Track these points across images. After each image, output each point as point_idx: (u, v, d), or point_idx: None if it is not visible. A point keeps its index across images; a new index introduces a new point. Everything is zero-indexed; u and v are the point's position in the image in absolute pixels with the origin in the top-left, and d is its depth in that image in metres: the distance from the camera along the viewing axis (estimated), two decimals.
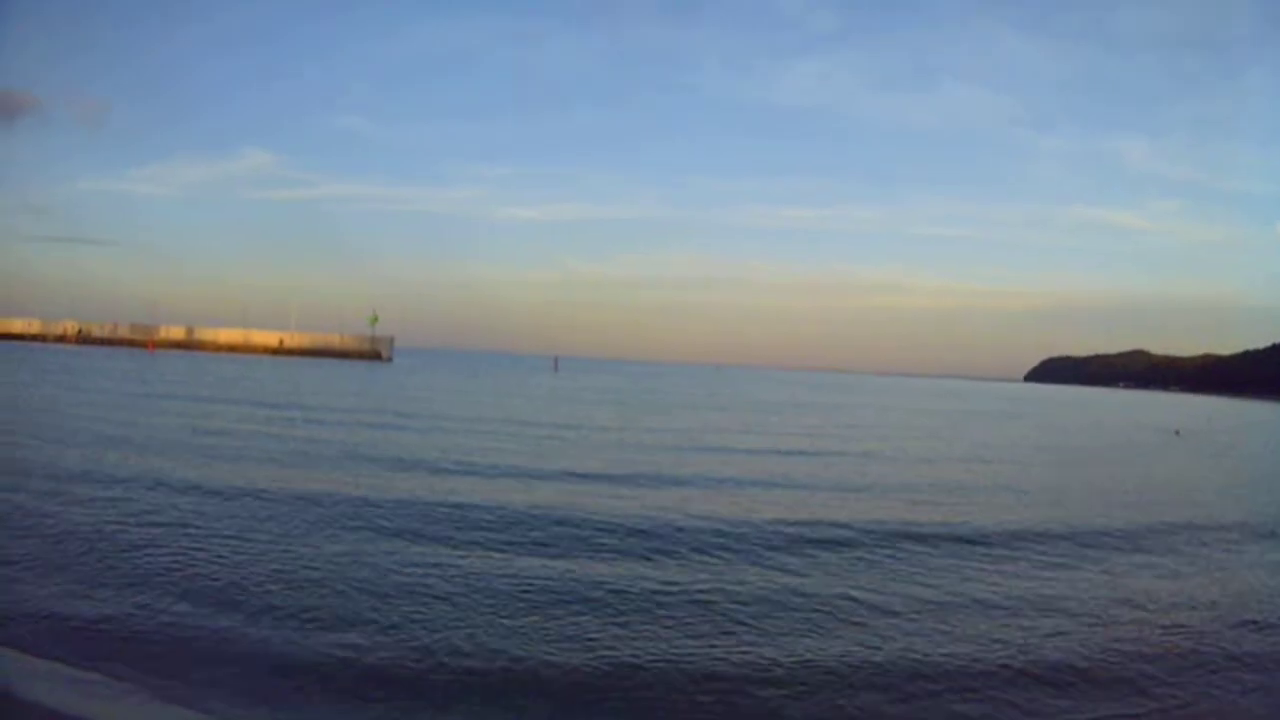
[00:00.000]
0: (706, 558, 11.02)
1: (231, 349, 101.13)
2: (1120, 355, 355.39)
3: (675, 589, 9.43)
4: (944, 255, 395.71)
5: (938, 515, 14.76)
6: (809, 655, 7.57)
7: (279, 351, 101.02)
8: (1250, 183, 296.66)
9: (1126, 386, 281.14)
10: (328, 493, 13.86)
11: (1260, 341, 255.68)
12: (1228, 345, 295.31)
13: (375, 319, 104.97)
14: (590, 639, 7.75)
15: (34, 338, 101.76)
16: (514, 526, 12.17)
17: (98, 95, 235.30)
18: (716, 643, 7.81)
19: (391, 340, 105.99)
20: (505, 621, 8.10)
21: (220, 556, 9.77)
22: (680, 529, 12.50)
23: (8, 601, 7.94)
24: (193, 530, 10.92)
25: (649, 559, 10.83)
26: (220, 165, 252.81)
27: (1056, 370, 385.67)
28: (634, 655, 7.41)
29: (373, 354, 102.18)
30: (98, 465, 15.61)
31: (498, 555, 10.59)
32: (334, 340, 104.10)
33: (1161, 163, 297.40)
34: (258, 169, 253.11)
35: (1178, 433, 45.32)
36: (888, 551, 11.78)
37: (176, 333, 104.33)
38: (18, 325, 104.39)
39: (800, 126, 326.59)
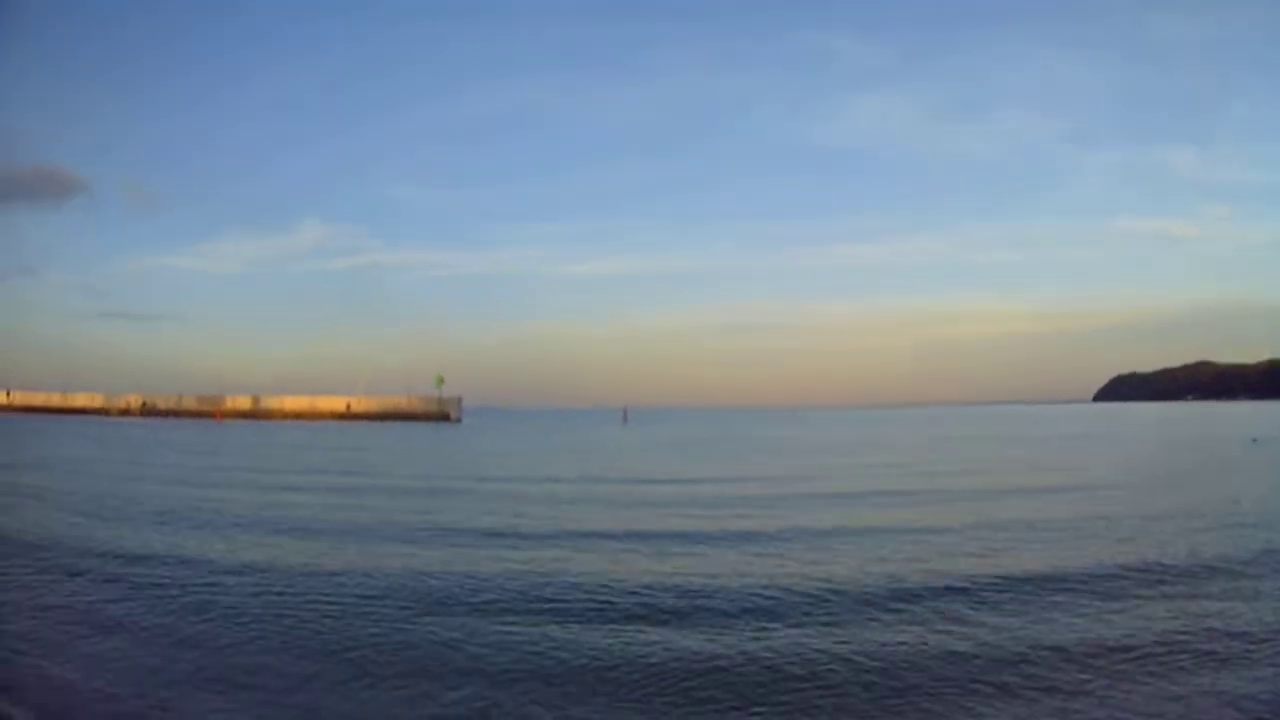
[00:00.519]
0: (876, 616, 10.46)
1: (298, 416, 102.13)
2: (1185, 368, 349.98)
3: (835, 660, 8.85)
4: (1002, 281, 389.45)
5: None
6: None
7: (346, 416, 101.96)
8: None
9: (1195, 398, 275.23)
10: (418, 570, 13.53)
11: None
12: None
13: (441, 380, 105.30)
14: None
15: (97, 411, 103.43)
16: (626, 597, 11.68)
17: (146, 178, 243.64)
18: None
19: (459, 400, 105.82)
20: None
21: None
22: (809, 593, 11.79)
23: None
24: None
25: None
26: (276, 239, 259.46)
27: (1124, 388, 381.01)
28: None
29: (441, 415, 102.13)
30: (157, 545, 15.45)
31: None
32: (401, 403, 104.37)
33: (1210, 168, 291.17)
34: (313, 240, 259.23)
35: (1255, 440, 45.24)
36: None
37: (243, 402, 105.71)
38: (80, 400, 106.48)
39: (854, 164, 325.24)
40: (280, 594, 11.72)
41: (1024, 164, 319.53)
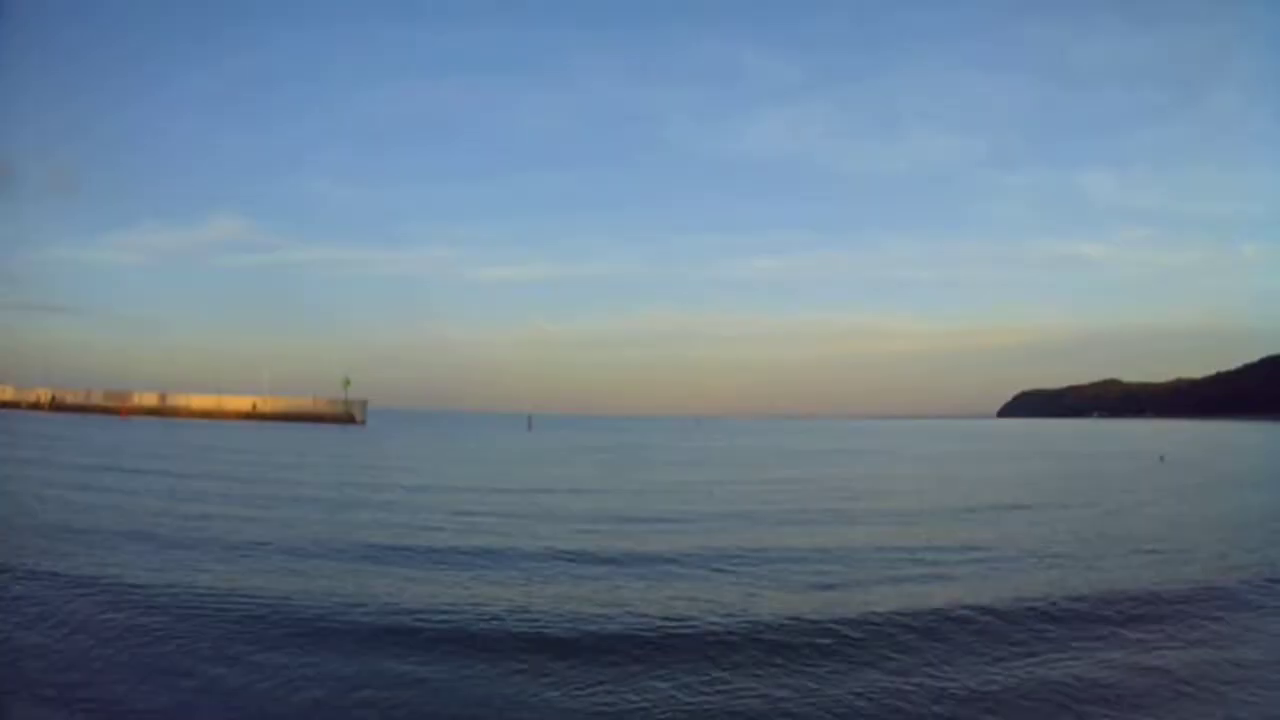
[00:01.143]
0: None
1: (205, 414, 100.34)
2: (1093, 385, 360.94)
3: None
4: (915, 297, 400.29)
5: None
6: None
7: (252, 416, 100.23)
8: (1216, 205, 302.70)
9: (1101, 415, 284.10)
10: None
11: (1231, 363, 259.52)
12: (1198, 369, 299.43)
13: (348, 383, 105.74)
14: None
15: (7, 404, 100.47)
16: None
17: (66, 161, 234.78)
18: None
19: (365, 403, 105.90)
20: None
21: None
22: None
23: None
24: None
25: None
26: (189, 231, 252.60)
27: (1029, 404, 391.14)
28: None
29: (346, 417, 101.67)
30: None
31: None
32: (307, 404, 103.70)
33: (1127, 193, 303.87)
34: (227, 234, 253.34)
35: (1162, 458, 45.68)
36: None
37: (149, 399, 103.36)
38: None
39: (771, 178, 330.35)
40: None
41: (941, 184, 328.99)
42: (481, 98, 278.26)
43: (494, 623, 11.33)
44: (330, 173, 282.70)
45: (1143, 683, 9.28)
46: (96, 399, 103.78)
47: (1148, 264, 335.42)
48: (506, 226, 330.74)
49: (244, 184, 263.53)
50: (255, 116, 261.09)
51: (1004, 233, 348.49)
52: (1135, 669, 9.70)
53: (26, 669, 9.07)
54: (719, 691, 8.93)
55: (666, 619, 11.45)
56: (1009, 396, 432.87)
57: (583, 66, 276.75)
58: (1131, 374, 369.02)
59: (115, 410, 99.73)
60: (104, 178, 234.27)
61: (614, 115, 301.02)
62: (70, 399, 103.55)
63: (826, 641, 10.56)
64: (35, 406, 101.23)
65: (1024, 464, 48.56)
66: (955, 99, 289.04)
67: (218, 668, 9.32)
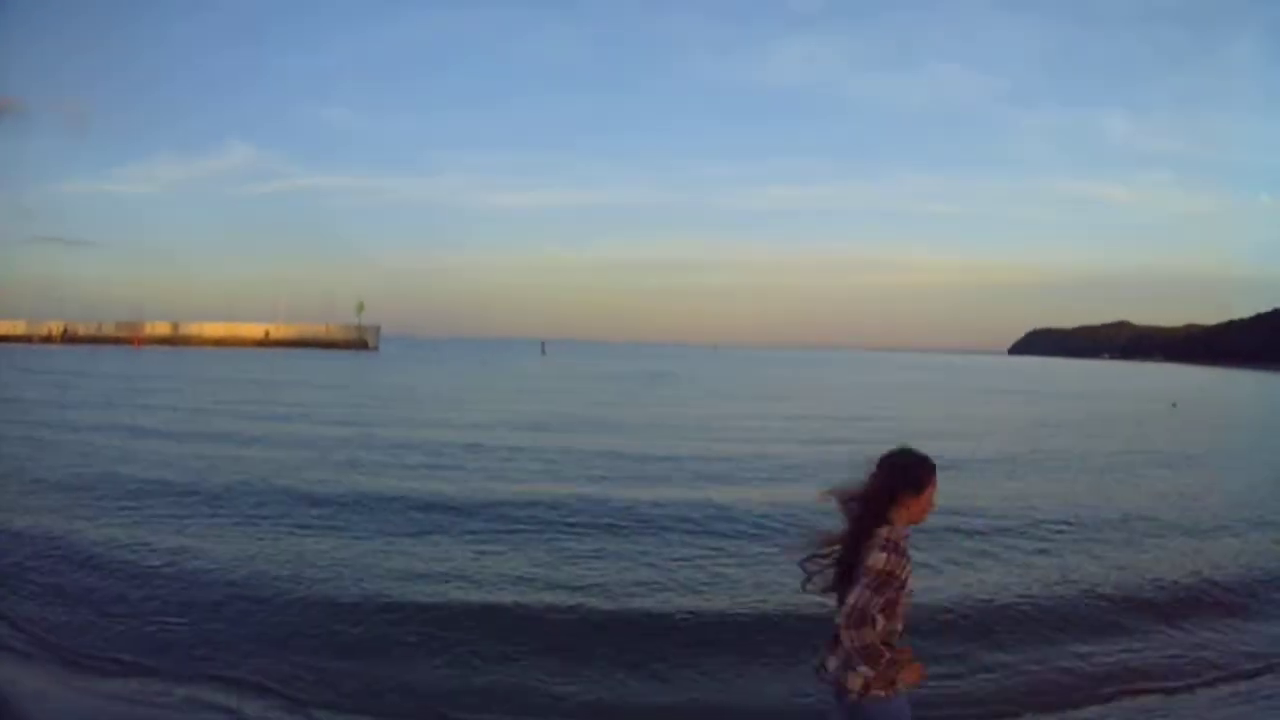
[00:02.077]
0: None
1: (218, 343, 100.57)
2: (1105, 326, 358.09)
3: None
4: (930, 232, 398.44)
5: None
6: None
7: (265, 343, 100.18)
8: (1234, 154, 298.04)
9: (1111, 357, 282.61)
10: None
11: (1244, 311, 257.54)
12: (1211, 315, 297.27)
13: (362, 307, 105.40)
14: None
15: (19, 339, 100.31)
16: None
17: (80, 97, 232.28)
18: None
19: (378, 329, 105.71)
20: None
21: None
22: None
23: None
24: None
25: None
26: (203, 162, 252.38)
27: (1040, 342, 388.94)
28: None
29: (359, 343, 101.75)
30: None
31: None
32: (320, 331, 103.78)
33: (1146, 136, 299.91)
34: (241, 164, 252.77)
35: (1175, 405, 44.94)
36: None
37: (162, 329, 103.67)
38: (3, 327, 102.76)
39: (787, 108, 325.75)
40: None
41: (961, 119, 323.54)
42: (496, 28, 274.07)
43: None
44: (344, 101, 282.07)
45: None
46: (109, 330, 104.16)
47: (1163, 208, 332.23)
48: (521, 155, 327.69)
49: (258, 113, 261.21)
50: (270, 47, 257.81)
51: (1021, 170, 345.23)
52: None
53: None
54: None
55: None
56: (1020, 334, 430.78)
57: None
58: (1143, 318, 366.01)
59: (128, 341, 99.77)
60: (119, 112, 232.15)
61: (629, 44, 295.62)
62: (82, 331, 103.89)
63: None
64: (47, 340, 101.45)
65: (1042, 405, 47.86)
66: (976, 36, 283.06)
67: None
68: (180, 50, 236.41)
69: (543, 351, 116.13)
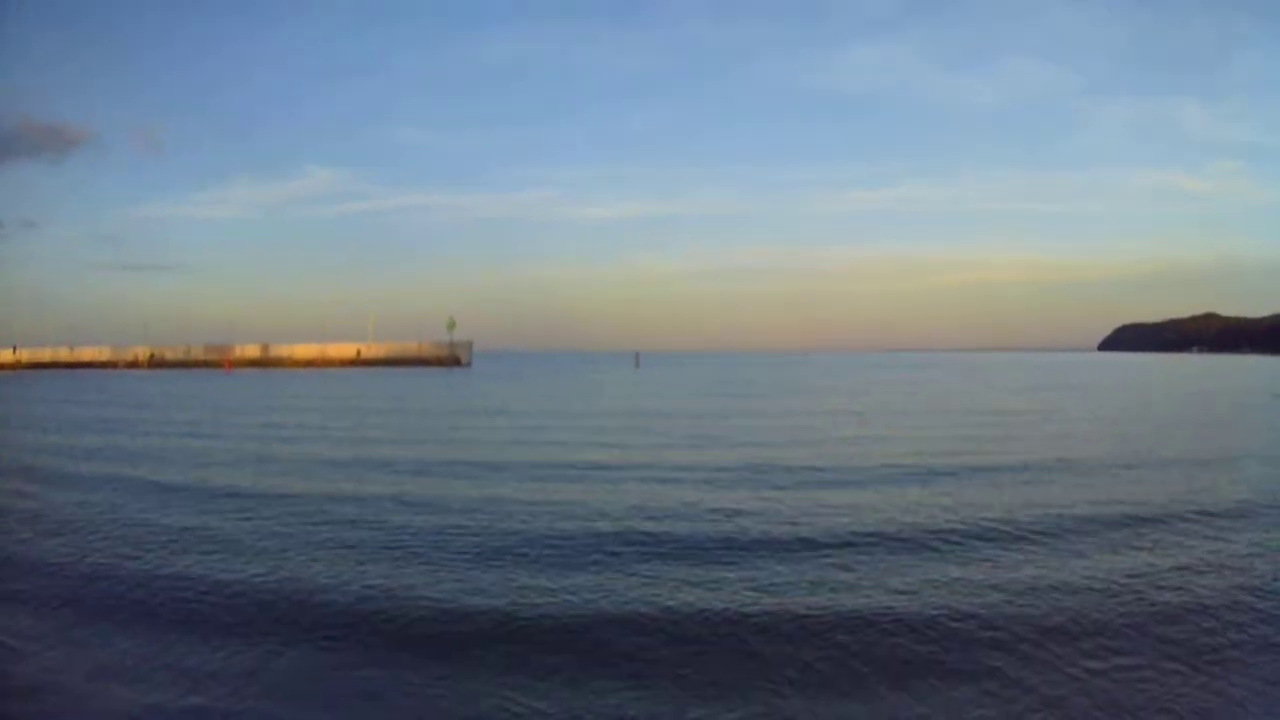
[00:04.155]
0: None
1: (309, 364, 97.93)
2: (1192, 319, 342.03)
3: None
4: (1010, 230, 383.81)
5: None
6: None
7: (357, 363, 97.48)
8: None
9: (1200, 350, 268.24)
10: None
11: None
12: None
13: (453, 324, 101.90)
14: None
15: (104, 365, 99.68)
16: None
17: (153, 124, 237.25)
18: None
19: (470, 344, 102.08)
20: None
21: None
22: None
23: None
24: None
25: None
26: (282, 185, 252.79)
27: (1129, 338, 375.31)
28: None
29: (452, 360, 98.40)
30: None
31: None
32: (412, 348, 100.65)
33: (1220, 125, 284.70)
34: (320, 186, 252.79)
35: (1277, 396, 43.76)
36: None
37: (251, 351, 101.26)
38: (87, 354, 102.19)
39: (862, 111, 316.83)
40: None
41: (1035, 114, 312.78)
42: (569, 42, 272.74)
43: None
44: (419, 120, 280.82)
45: None
46: (197, 354, 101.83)
47: (1241, 197, 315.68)
48: (599, 168, 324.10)
49: (332, 135, 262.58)
50: (343, 66, 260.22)
51: (1098, 164, 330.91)
52: None
53: None
54: None
55: None
56: (1108, 330, 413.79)
57: (670, 9, 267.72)
58: (1230, 308, 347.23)
59: (217, 364, 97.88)
60: (194, 137, 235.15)
61: (701, 52, 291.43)
62: (170, 355, 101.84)
63: None
64: (133, 365, 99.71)
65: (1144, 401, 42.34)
66: (1047, 29, 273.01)
67: None
68: (248, 74, 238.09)
69: (636, 364, 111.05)
